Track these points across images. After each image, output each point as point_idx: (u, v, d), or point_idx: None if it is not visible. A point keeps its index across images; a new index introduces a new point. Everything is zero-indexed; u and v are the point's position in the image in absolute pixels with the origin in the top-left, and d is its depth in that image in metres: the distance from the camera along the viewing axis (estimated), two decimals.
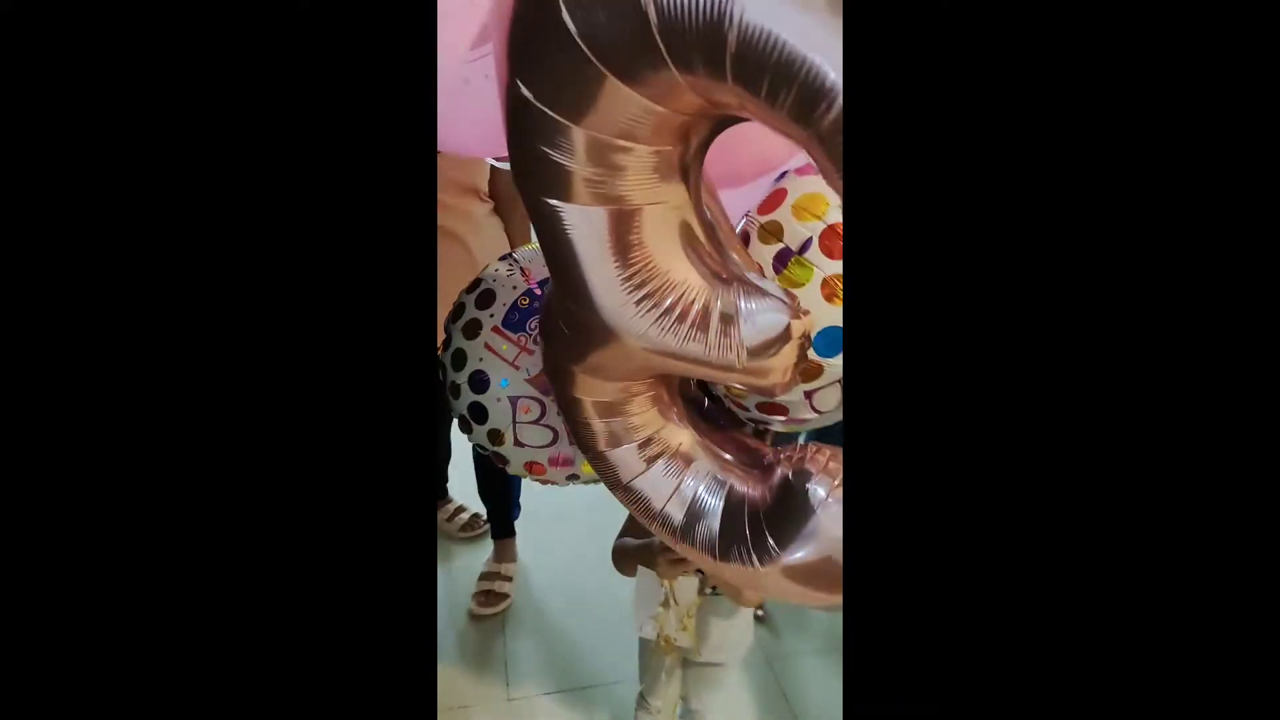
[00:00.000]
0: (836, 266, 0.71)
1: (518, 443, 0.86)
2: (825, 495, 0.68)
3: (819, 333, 0.71)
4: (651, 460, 0.74)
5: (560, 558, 1.79)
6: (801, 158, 0.75)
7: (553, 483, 0.93)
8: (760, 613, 1.67)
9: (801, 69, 0.46)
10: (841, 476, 0.67)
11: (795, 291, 0.70)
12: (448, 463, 1.84)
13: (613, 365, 0.68)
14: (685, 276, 0.62)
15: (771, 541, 0.69)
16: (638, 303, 0.62)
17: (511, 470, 0.91)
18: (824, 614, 1.69)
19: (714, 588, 1.03)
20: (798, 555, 0.68)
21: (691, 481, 0.74)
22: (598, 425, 0.73)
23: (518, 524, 1.77)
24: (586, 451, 0.75)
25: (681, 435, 0.75)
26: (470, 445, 1.64)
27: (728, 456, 0.76)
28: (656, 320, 0.63)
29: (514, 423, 0.85)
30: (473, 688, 1.48)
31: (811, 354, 0.73)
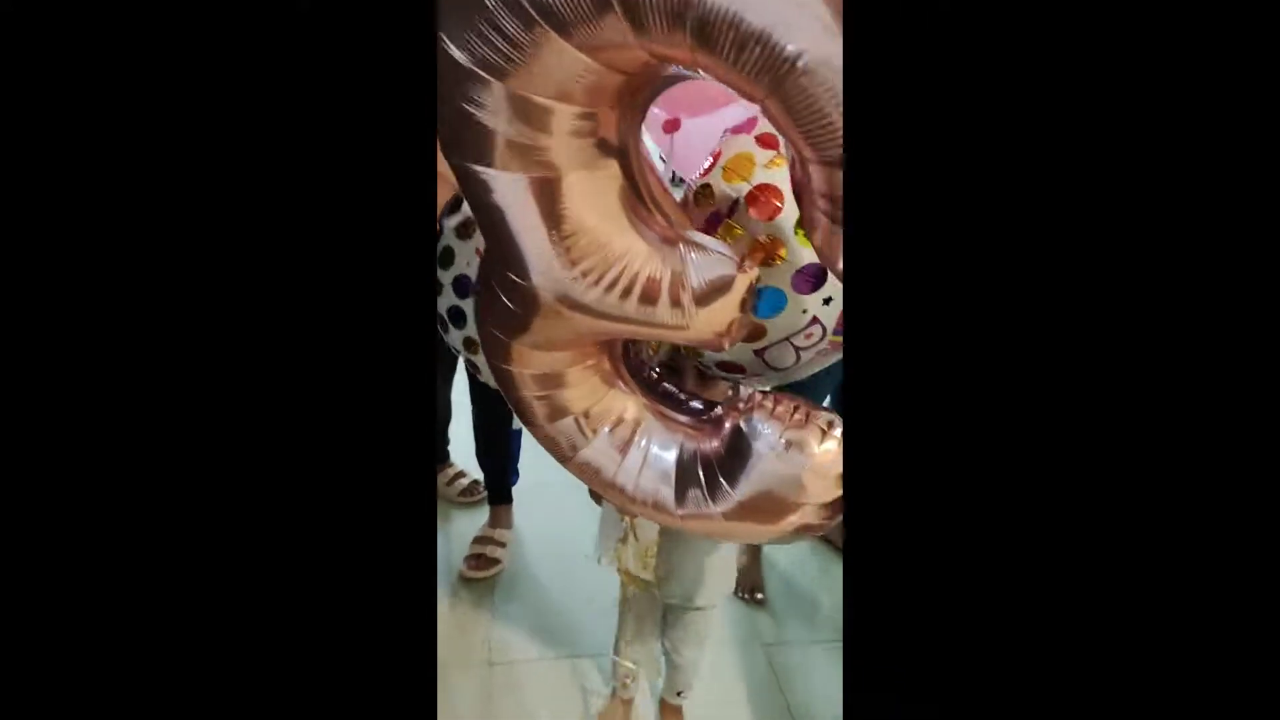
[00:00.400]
0: (763, 228, 0.68)
1: None
2: (770, 434, 0.66)
3: (755, 294, 0.68)
4: (596, 431, 0.72)
5: (557, 527, 1.79)
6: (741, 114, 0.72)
7: None
8: (760, 595, 1.65)
9: (768, 34, 0.46)
10: (789, 420, 0.66)
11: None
12: (447, 425, 1.85)
13: (555, 336, 0.66)
14: (629, 246, 0.60)
15: (725, 483, 0.69)
16: (580, 276, 0.60)
17: (483, 378, 0.89)
18: (829, 604, 1.67)
19: None
20: (747, 493, 0.68)
21: (641, 447, 0.73)
22: (536, 399, 0.71)
23: (516, 492, 1.78)
24: (528, 425, 0.74)
25: (626, 402, 0.74)
26: (471, 409, 1.66)
27: (679, 418, 0.75)
28: (603, 292, 0.61)
29: None
30: (455, 649, 1.50)
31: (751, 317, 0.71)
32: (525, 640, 1.54)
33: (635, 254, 0.60)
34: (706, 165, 0.75)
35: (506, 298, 0.64)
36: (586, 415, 0.73)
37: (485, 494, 1.81)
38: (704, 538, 1.03)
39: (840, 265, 0.57)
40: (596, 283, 0.60)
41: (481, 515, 1.80)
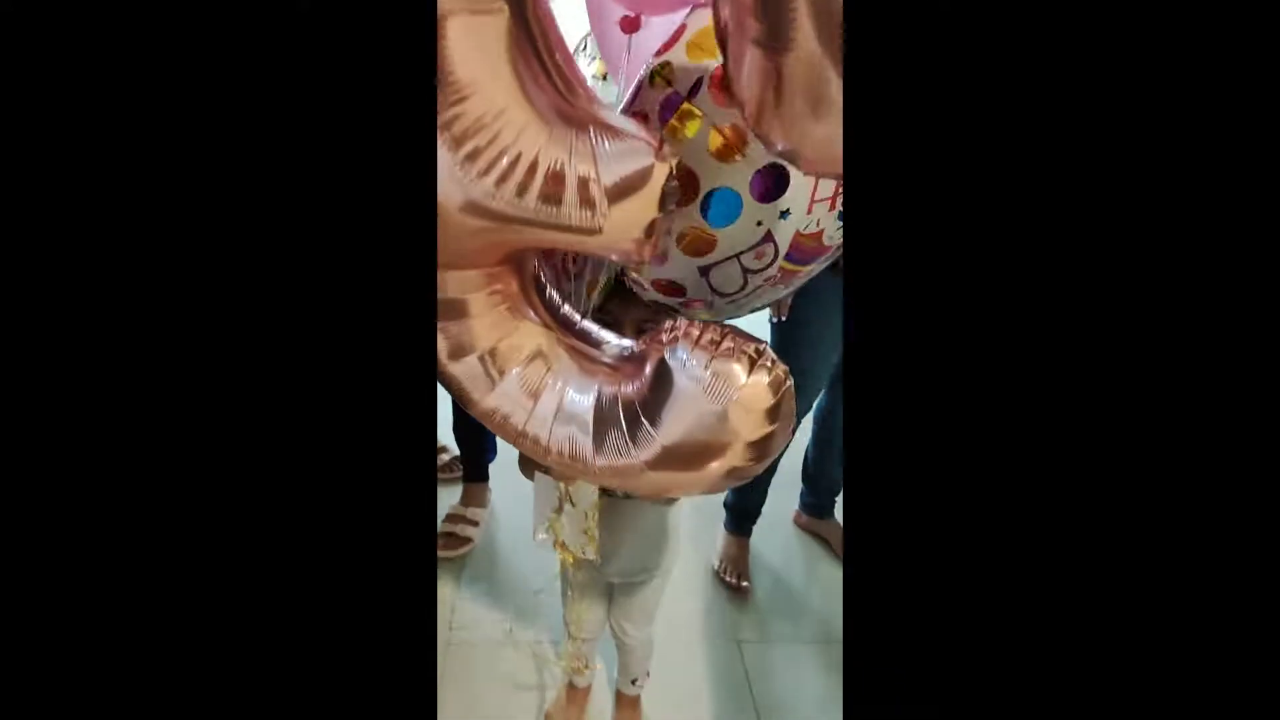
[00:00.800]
0: (728, 115, 0.56)
1: None
2: (695, 366, 0.55)
3: (708, 197, 0.57)
4: (503, 372, 0.60)
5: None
6: None
7: None
8: (745, 584, 1.52)
9: None
10: (716, 350, 0.54)
11: (680, 146, 0.55)
12: None
13: (452, 248, 0.54)
14: (524, 124, 0.47)
15: (647, 425, 0.57)
16: (466, 160, 0.48)
17: None
18: (817, 602, 1.54)
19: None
20: (672, 435, 0.56)
21: (555, 391, 0.60)
22: (436, 333, 0.59)
23: (495, 469, 1.66)
24: None
25: (538, 339, 0.60)
26: None
27: (597, 356, 0.62)
28: (494, 185, 0.49)
29: None
30: None
31: (702, 225, 0.59)
32: (487, 621, 1.42)
33: (531, 136, 0.47)
34: (666, 42, 0.61)
35: None
36: (493, 353, 0.59)
37: None
38: (640, 504, 0.91)
39: (780, 142, 0.46)
40: (486, 172, 0.47)
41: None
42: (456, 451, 1.74)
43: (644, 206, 0.49)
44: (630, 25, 0.70)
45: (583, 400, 0.60)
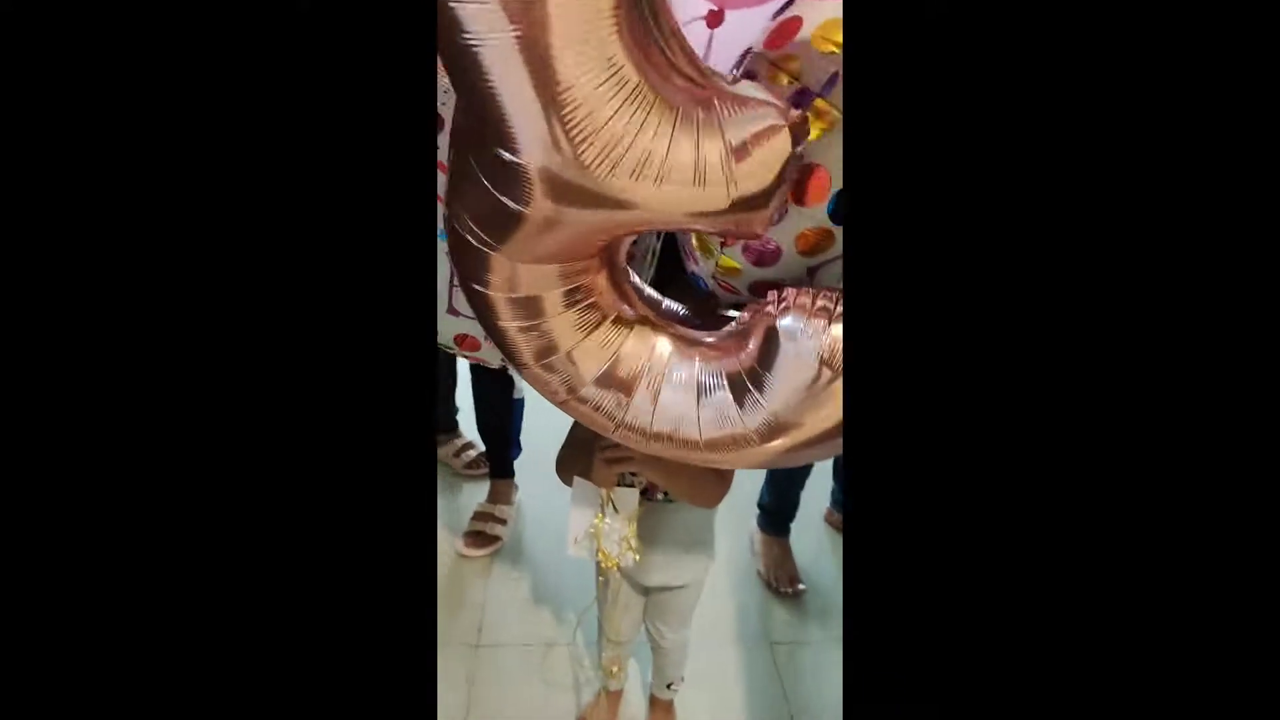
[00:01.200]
0: None
1: (451, 309, 0.71)
2: (810, 332, 0.53)
3: (835, 197, 0.54)
4: (593, 368, 0.56)
5: (562, 503, 1.62)
6: None
7: (486, 363, 0.78)
8: (802, 586, 1.48)
9: None
10: (832, 315, 0.53)
11: (808, 147, 0.51)
12: (452, 392, 1.69)
13: (551, 239, 0.48)
14: (646, 109, 0.42)
15: (755, 393, 0.55)
16: (591, 165, 0.43)
17: (441, 340, 0.75)
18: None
19: (664, 493, 0.86)
20: (782, 402, 0.55)
21: (651, 376, 0.57)
22: (520, 331, 0.54)
23: (521, 464, 1.61)
24: (516, 366, 0.58)
25: (625, 329, 0.57)
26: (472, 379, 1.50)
27: (698, 338, 0.59)
28: (629, 178, 0.44)
29: (451, 285, 0.69)
30: (444, 629, 1.34)
31: (824, 223, 0.56)
32: (516, 623, 1.38)
33: (655, 122, 0.42)
34: (776, 33, 0.54)
35: (489, 179, 0.46)
36: (579, 350, 0.55)
37: None
38: (680, 509, 0.88)
39: None
40: (613, 170, 0.43)
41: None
42: (482, 448, 1.69)
43: (766, 172, 0.46)
44: (715, 20, 0.65)
45: (684, 379, 0.57)
